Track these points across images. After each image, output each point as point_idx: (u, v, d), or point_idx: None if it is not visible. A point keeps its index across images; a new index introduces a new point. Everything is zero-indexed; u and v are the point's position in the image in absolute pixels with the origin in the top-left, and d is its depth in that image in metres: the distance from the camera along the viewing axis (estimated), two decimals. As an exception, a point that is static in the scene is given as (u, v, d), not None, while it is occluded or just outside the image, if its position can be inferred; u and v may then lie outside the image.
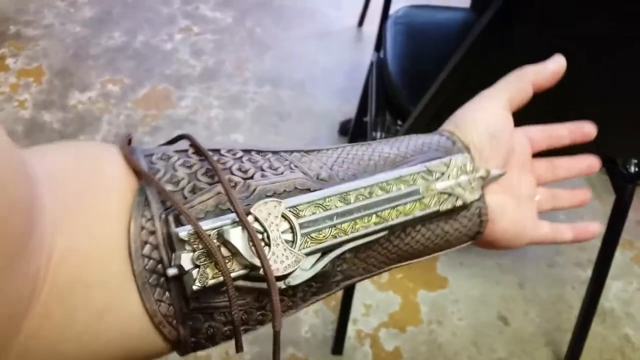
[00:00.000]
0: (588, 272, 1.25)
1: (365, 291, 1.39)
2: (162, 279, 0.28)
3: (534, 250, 1.53)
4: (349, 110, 1.80)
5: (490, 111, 0.42)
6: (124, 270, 0.28)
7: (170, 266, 0.28)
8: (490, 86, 0.43)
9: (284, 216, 0.30)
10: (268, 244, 0.29)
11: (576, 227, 0.47)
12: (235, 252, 0.29)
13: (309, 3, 2.31)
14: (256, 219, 0.29)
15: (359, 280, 0.37)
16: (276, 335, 0.29)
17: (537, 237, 0.45)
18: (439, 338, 1.34)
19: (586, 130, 0.47)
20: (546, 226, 0.46)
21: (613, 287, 1.47)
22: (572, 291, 1.45)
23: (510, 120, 0.42)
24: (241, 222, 0.28)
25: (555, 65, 0.43)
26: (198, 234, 0.28)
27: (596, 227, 0.48)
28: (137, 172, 0.30)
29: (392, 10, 1.37)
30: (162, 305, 0.28)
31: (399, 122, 1.10)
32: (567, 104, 0.76)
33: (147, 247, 0.28)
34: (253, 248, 0.28)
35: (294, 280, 0.31)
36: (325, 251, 0.32)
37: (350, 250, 0.34)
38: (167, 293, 0.28)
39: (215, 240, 0.28)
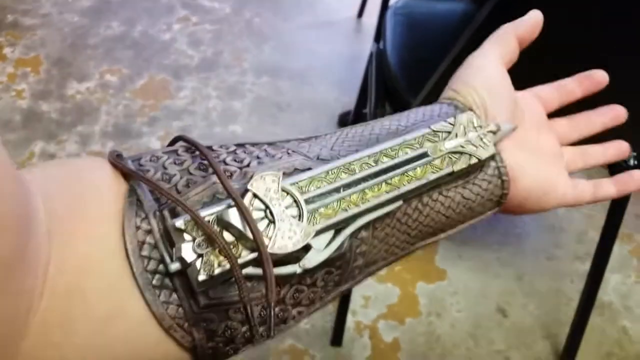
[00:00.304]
0: (587, 265, 1.25)
1: (364, 283, 1.39)
2: (167, 279, 0.26)
3: (533, 243, 1.53)
4: (348, 101, 1.79)
5: (484, 68, 0.40)
6: (123, 274, 0.26)
7: (172, 261, 0.26)
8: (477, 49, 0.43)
9: (285, 191, 0.28)
10: (272, 221, 0.28)
11: (619, 178, 0.44)
12: (238, 236, 0.27)
13: (309, -7, 2.29)
14: (255, 196, 0.28)
15: (384, 266, 0.35)
16: (270, 309, 0.27)
17: (574, 195, 0.42)
18: (437, 330, 1.34)
19: (597, 77, 0.44)
20: (583, 183, 0.43)
21: (611, 280, 1.47)
22: (571, 284, 1.45)
23: (505, 73, 0.41)
24: (232, 199, 0.27)
25: (530, 17, 0.43)
26: (196, 221, 0.26)
27: None
28: (126, 176, 0.29)
29: (392, 1, 1.36)
30: (170, 307, 0.26)
31: (399, 114, 1.09)
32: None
33: (146, 247, 0.26)
34: (260, 226, 0.27)
35: (309, 263, 0.29)
36: (338, 228, 0.30)
37: (366, 227, 0.32)
38: (174, 294, 0.26)
39: (215, 226, 0.27)
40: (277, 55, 2.00)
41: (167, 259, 0.26)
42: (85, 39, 1.96)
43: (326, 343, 1.29)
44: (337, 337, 1.28)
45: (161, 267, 0.26)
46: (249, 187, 0.28)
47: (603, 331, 1.37)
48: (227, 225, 0.27)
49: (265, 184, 0.28)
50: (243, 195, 0.28)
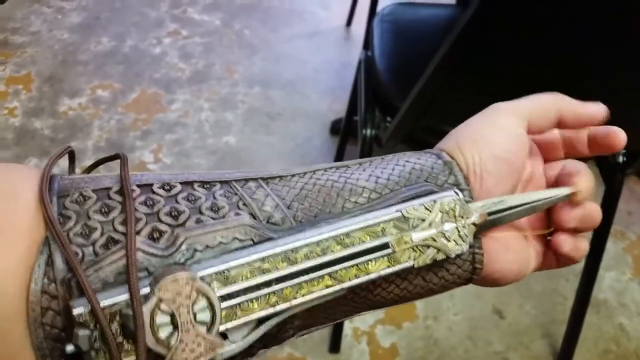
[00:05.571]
0: (581, 264, 1.26)
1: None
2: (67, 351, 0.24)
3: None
4: (340, 109, 1.80)
5: (504, 129, 0.34)
6: (23, 342, 0.24)
7: (69, 341, 0.24)
8: (511, 100, 0.36)
9: (201, 292, 0.25)
10: (177, 328, 0.25)
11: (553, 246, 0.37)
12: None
13: (297, 4, 2.31)
14: (161, 300, 0.24)
15: (324, 327, 0.32)
16: None
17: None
18: (435, 333, 1.34)
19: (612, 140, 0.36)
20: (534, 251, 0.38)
21: (606, 278, 1.47)
22: (566, 283, 1.46)
23: (526, 144, 0.35)
24: (131, 306, 0.24)
25: (594, 109, 0.36)
26: (94, 313, 0.23)
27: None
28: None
29: (380, 8, 1.37)
30: None
31: (389, 119, 1.10)
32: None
33: (49, 314, 0.24)
34: (161, 334, 0.24)
35: (219, 356, 0.26)
36: (262, 319, 0.27)
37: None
38: None
39: (117, 318, 0.24)
40: (268, 66, 2.01)
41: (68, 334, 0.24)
42: (75, 56, 1.97)
43: (324, 350, 1.29)
44: (335, 344, 1.28)
45: (63, 335, 0.24)
46: (156, 290, 0.24)
47: (600, 329, 1.38)
48: (127, 322, 0.24)
49: (175, 289, 0.24)
50: (149, 294, 0.25)
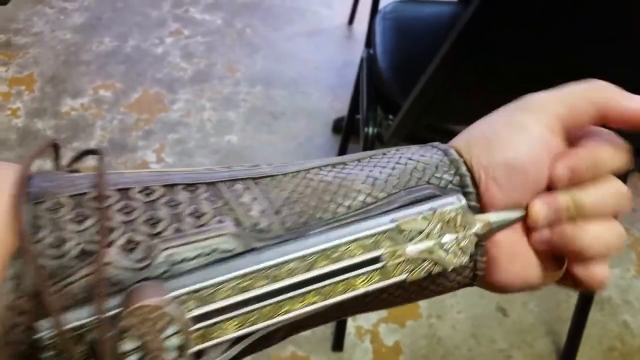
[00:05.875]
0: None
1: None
2: None
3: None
4: (342, 107, 1.80)
5: (527, 130, 0.29)
6: None
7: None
8: (547, 90, 0.31)
9: (170, 317, 0.24)
10: (146, 354, 0.24)
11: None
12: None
13: (299, 2, 2.30)
14: (130, 326, 0.23)
15: (315, 327, 0.31)
16: None
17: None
18: (438, 332, 1.34)
19: None
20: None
21: (610, 275, 1.47)
22: (570, 280, 1.46)
23: (552, 149, 0.29)
24: (98, 332, 0.23)
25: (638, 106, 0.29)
26: (59, 335, 0.22)
27: None
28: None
29: (382, 6, 1.37)
30: None
31: (391, 117, 1.10)
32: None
33: (17, 331, 0.23)
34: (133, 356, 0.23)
35: None
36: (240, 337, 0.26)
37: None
38: None
39: (85, 339, 0.23)
40: (269, 65, 2.01)
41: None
42: (78, 56, 1.97)
43: (327, 349, 1.29)
44: (338, 342, 1.28)
45: (31, 351, 0.23)
46: (123, 316, 0.23)
47: (604, 326, 1.38)
48: (95, 345, 0.23)
49: (143, 314, 0.23)
50: (118, 316, 0.23)
